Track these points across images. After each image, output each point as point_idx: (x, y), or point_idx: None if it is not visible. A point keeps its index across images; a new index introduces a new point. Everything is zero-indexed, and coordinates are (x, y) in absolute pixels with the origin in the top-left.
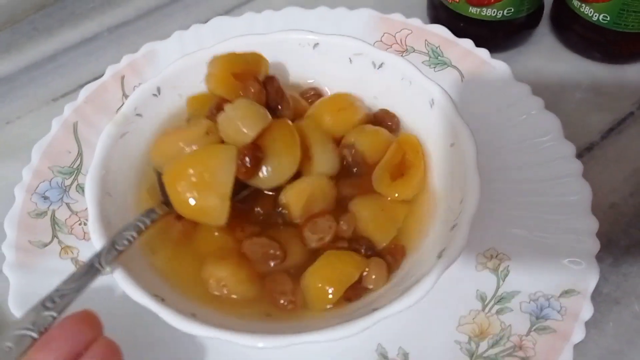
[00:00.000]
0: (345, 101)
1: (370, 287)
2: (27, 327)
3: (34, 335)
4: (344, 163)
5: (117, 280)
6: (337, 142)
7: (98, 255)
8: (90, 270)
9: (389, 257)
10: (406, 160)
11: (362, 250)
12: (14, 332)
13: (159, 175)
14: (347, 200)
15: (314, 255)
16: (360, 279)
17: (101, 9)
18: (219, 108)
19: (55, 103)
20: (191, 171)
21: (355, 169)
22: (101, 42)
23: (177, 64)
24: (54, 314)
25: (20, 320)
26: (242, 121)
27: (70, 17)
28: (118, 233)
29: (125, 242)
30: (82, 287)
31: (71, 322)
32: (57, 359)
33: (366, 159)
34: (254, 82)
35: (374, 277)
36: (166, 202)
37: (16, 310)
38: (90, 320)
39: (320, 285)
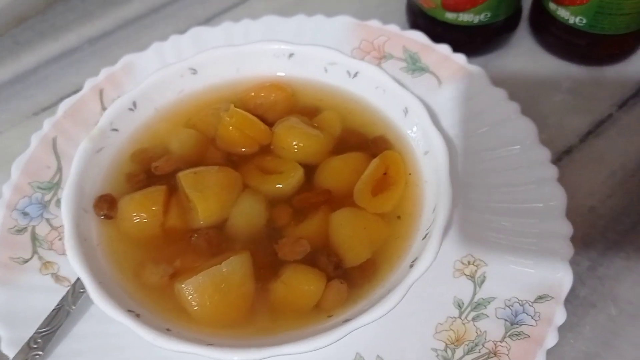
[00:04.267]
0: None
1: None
2: None
3: None
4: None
5: (92, 298)
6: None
7: (65, 299)
8: (60, 312)
9: (357, 274)
10: (388, 177)
11: (331, 268)
12: None
13: None
14: (324, 210)
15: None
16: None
17: (81, 20)
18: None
19: (37, 117)
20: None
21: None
22: (82, 54)
23: (152, 77)
24: (40, 353)
25: None
26: None
27: (51, 30)
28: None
29: None
30: (56, 327)
31: None
32: None
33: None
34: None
35: (329, 300)
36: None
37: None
38: None
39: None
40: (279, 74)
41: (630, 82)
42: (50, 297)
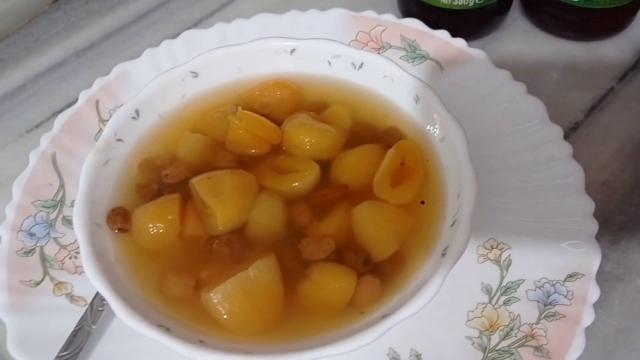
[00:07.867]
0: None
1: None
2: None
3: None
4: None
5: (119, 317)
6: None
7: (84, 319)
8: (80, 333)
9: (387, 268)
10: (406, 166)
11: (360, 264)
12: None
13: None
14: (345, 206)
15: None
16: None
17: (65, 33)
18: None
19: (30, 134)
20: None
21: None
22: (70, 66)
23: (153, 84)
24: None
25: None
26: None
27: (35, 44)
28: (96, 294)
29: (105, 302)
30: (78, 349)
31: None
32: None
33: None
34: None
35: (363, 296)
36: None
37: (16, 353)
38: None
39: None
40: (282, 70)
41: (628, 55)
42: (67, 318)
